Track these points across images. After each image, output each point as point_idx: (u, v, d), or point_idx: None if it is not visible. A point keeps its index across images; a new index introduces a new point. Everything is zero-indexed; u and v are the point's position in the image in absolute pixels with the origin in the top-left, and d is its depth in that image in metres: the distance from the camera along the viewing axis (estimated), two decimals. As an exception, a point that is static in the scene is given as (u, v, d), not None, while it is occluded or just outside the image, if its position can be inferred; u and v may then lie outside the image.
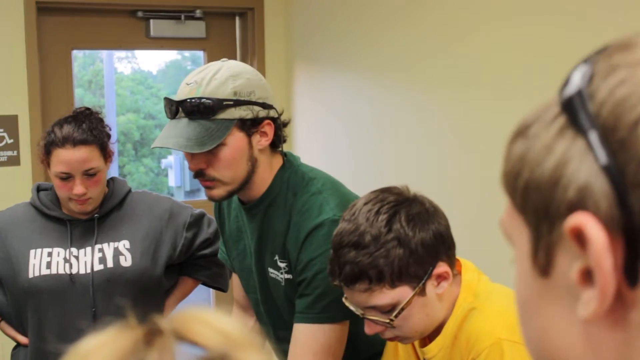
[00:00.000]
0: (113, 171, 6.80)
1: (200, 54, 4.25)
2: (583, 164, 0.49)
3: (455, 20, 2.88)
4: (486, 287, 1.51)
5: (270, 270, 1.79)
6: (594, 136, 0.48)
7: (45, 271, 2.15)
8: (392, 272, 1.41)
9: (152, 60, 11.35)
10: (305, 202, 1.71)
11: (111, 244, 2.20)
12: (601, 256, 0.47)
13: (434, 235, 1.45)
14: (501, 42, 2.67)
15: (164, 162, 10.10)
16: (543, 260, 0.52)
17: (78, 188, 2.11)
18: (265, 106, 1.70)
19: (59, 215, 2.21)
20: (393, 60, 3.25)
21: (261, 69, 3.94)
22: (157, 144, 1.69)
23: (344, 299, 1.51)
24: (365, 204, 1.47)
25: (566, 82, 0.52)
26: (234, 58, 3.97)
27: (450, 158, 2.96)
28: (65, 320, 2.15)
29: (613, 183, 0.47)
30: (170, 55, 10.60)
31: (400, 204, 1.45)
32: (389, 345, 1.68)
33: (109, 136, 2.18)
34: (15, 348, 2.32)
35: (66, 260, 2.16)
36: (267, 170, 1.75)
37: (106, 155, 2.16)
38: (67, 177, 2.11)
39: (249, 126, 1.68)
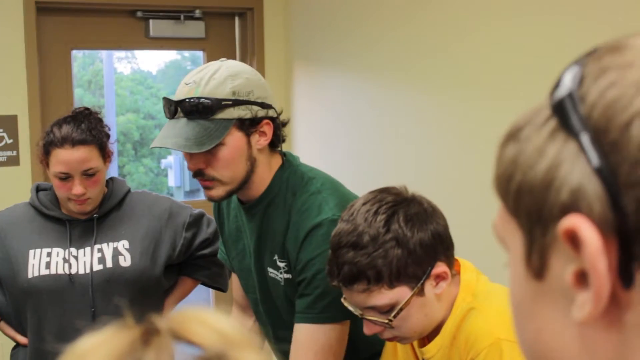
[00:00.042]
0: (113, 171, 6.80)
1: (199, 54, 4.25)
2: (575, 166, 0.49)
3: (455, 20, 2.88)
4: (485, 287, 1.51)
5: (270, 269, 1.79)
6: (585, 138, 0.48)
7: (44, 271, 2.15)
8: (391, 272, 1.41)
9: (152, 61, 11.35)
10: (305, 201, 1.71)
11: (110, 244, 2.20)
12: (596, 258, 0.47)
13: (433, 235, 1.44)
14: (501, 42, 2.67)
15: (163, 162, 10.08)
16: (537, 263, 0.52)
17: (77, 188, 2.11)
18: (264, 106, 1.70)
19: (58, 215, 2.21)
20: (393, 61, 3.25)
21: (260, 69, 3.94)
22: (156, 144, 1.69)
23: (342, 300, 1.51)
24: (364, 204, 1.47)
25: (556, 85, 0.52)
26: (234, 58, 3.96)
27: (450, 158, 2.96)
28: (64, 320, 2.15)
29: (606, 185, 0.47)
30: (169, 55, 10.59)
31: (399, 204, 1.45)
32: (388, 346, 1.68)
33: (108, 136, 2.18)
34: (14, 348, 2.32)
35: (65, 261, 2.16)
36: (266, 170, 1.75)
37: (105, 155, 2.16)
38: (66, 177, 2.11)
39: (248, 126, 1.68)
